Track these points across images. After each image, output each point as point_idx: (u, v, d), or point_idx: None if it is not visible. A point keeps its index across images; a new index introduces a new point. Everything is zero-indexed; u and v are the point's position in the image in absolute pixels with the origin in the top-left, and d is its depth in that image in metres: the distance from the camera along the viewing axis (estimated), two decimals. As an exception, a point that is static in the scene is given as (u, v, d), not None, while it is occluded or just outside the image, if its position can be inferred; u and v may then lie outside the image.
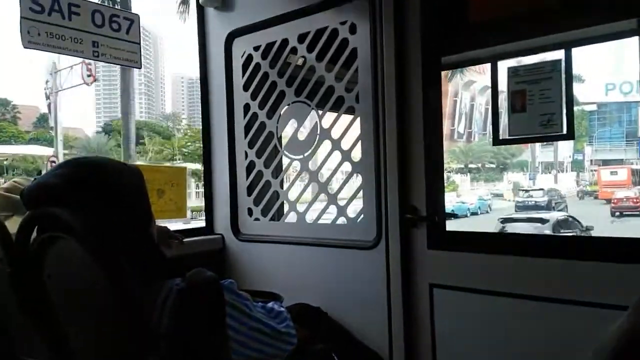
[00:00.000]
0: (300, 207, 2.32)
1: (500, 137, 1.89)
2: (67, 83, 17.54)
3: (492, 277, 1.74)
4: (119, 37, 2.29)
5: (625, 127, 40.26)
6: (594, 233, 12.72)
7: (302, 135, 2.31)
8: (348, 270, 2.10)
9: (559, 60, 1.67)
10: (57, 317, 1.23)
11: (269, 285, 1.86)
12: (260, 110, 2.37)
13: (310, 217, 2.30)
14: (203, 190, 2.64)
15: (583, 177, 34.56)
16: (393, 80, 1.91)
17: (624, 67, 34.20)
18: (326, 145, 2.20)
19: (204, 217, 2.58)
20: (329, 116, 2.21)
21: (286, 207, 2.40)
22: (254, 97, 2.40)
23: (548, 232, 12.17)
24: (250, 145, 2.42)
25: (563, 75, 1.67)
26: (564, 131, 1.67)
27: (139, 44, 2.38)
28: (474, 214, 21.62)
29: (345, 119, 2.18)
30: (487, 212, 23.31)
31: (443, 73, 2.02)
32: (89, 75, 16.49)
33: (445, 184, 2.13)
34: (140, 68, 2.41)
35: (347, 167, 2.18)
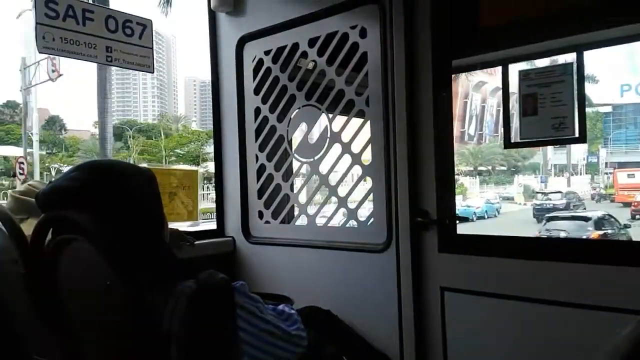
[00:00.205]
0: (311, 210, 2.33)
1: (512, 141, 1.88)
2: (35, 79, 17.10)
3: (505, 281, 1.73)
4: (131, 42, 2.32)
5: (642, 129, 39.69)
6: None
7: (313, 138, 2.32)
8: (358, 274, 2.10)
9: (571, 64, 1.66)
10: (70, 318, 1.25)
11: (279, 288, 1.87)
12: (271, 113, 2.39)
13: (320, 220, 2.31)
14: (214, 192, 2.66)
15: (598, 180, 34.06)
16: (403, 84, 1.91)
17: (640, 67, 33.67)
18: (336, 148, 2.21)
19: (210, 219, 2.60)
20: (339, 120, 2.22)
21: (296, 210, 2.41)
22: (264, 100, 2.41)
23: (591, 229, 12.84)
24: (261, 148, 2.44)
25: (575, 78, 1.66)
26: (576, 134, 1.65)
27: (152, 48, 2.41)
28: (480, 218, 21.44)
29: (355, 122, 2.18)
30: (495, 216, 23.14)
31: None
32: (53, 71, 15.87)
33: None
34: (152, 72, 2.44)
35: (357, 170, 2.18)
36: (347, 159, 2.17)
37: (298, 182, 2.52)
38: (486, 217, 22.19)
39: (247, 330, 1.24)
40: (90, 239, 1.18)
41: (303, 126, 2.34)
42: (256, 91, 2.44)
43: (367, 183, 2.12)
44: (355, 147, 2.14)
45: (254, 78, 2.44)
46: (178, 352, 1.17)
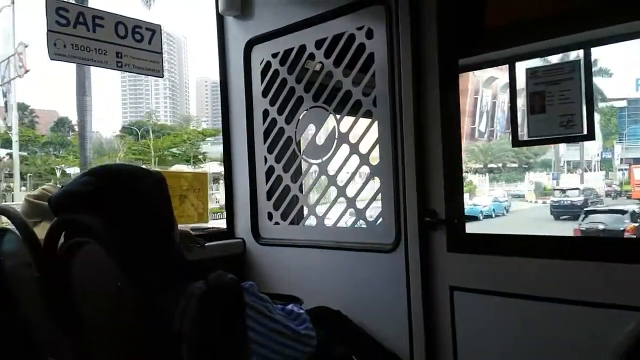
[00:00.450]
0: (320, 211, 2.34)
1: (520, 139, 1.87)
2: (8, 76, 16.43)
3: (515, 280, 1.73)
4: (141, 47, 2.35)
5: (658, 123, 38.98)
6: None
7: (321, 139, 2.33)
8: (367, 274, 2.10)
9: (578, 61, 1.65)
10: (83, 320, 1.28)
11: (289, 289, 1.88)
12: (279, 115, 2.40)
13: (329, 220, 2.32)
14: (224, 194, 2.68)
15: (613, 176, 33.51)
16: (410, 83, 1.91)
17: (656, 61, 33.03)
18: (344, 149, 2.22)
19: (215, 218, 2.62)
20: (347, 120, 2.23)
21: (305, 211, 2.42)
22: (272, 102, 2.43)
23: (627, 221, 13.73)
24: (270, 150, 2.45)
25: (583, 75, 1.65)
26: (585, 131, 1.64)
27: (161, 53, 2.43)
28: (487, 216, 21.14)
29: (363, 122, 2.19)
30: (503, 214, 22.77)
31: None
32: (20, 67, 15.46)
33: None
34: (162, 77, 2.47)
35: (365, 170, 2.19)
36: (355, 160, 2.18)
37: (307, 184, 2.54)
38: (493, 215, 21.86)
39: (256, 329, 1.25)
40: (101, 242, 1.20)
41: (311, 127, 2.35)
42: (264, 93, 2.46)
43: (375, 183, 2.13)
44: (363, 148, 2.15)
45: (262, 80, 2.46)
46: (189, 353, 1.18)
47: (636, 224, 13.59)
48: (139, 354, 1.22)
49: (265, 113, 2.46)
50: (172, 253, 1.31)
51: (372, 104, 2.08)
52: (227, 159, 2.65)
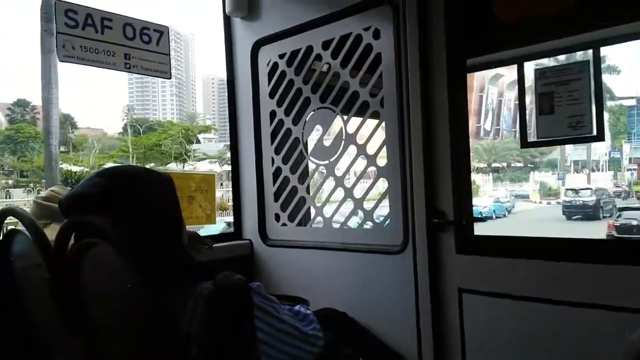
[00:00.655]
0: (327, 213, 2.34)
1: (529, 140, 1.86)
2: None
3: (525, 282, 1.71)
4: (149, 49, 2.36)
5: (669, 123, 38.54)
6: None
7: (328, 140, 2.33)
8: (375, 275, 2.10)
9: (587, 61, 1.64)
10: (93, 321, 1.28)
11: (296, 290, 1.88)
12: (286, 116, 2.41)
13: (336, 222, 2.31)
14: (232, 195, 2.69)
15: (621, 176, 33.19)
16: (418, 84, 1.90)
17: (666, 59, 32.63)
18: (352, 150, 2.21)
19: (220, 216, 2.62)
20: (354, 121, 2.22)
21: (312, 213, 2.42)
22: (279, 104, 2.43)
23: None
24: (277, 151, 2.46)
25: (592, 76, 1.63)
26: (594, 132, 1.63)
27: (169, 55, 2.44)
28: (487, 218, 20.84)
29: (370, 123, 2.18)
30: (505, 215, 22.50)
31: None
32: None
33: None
34: (170, 78, 2.48)
35: (373, 171, 2.18)
36: (362, 161, 2.18)
37: (314, 185, 2.54)
38: (494, 217, 21.59)
39: (264, 330, 1.25)
40: (111, 243, 1.21)
41: (318, 128, 2.35)
42: (271, 94, 2.46)
43: (383, 184, 2.12)
44: (371, 149, 2.15)
45: (269, 81, 2.46)
46: (198, 353, 1.19)
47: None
48: (147, 354, 1.22)
49: (273, 114, 2.46)
50: (180, 254, 1.31)
51: (379, 105, 2.08)
52: (235, 160, 2.65)
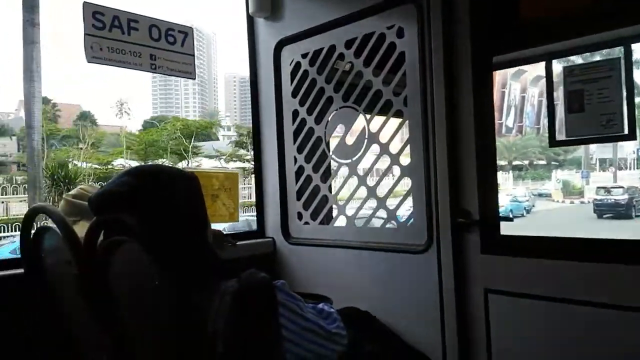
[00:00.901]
0: (349, 211, 2.33)
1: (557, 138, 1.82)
2: None
3: (553, 283, 1.68)
4: (174, 49, 2.39)
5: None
6: None
7: (350, 139, 2.32)
8: (398, 275, 2.08)
9: (618, 58, 1.60)
10: (121, 317, 1.31)
11: (318, 289, 1.88)
12: (309, 115, 2.41)
13: (359, 221, 2.31)
14: (255, 194, 2.72)
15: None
16: (442, 82, 1.89)
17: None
18: (374, 149, 2.20)
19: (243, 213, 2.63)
20: (377, 120, 2.21)
21: (335, 211, 2.42)
22: (302, 103, 2.44)
23: None
24: (299, 150, 2.46)
25: (623, 73, 1.59)
26: (626, 131, 1.59)
27: (193, 55, 2.47)
28: (505, 218, 20.38)
29: (393, 122, 2.17)
30: (523, 215, 21.94)
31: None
32: None
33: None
34: (194, 79, 2.51)
35: (395, 170, 2.17)
36: (385, 160, 2.16)
37: (336, 183, 2.54)
38: (511, 216, 21.19)
39: (289, 328, 1.25)
40: (139, 240, 1.22)
41: (341, 127, 2.35)
42: (294, 94, 2.47)
43: (407, 183, 2.11)
44: (393, 148, 2.14)
45: (292, 81, 2.47)
46: (224, 351, 1.20)
47: None
48: (175, 351, 1.24)
49: (295, 113, 2.47)
50: (206, 252, 1.33)
51: (402, 104, 2.06)
52: (258, 159, 2.67)
